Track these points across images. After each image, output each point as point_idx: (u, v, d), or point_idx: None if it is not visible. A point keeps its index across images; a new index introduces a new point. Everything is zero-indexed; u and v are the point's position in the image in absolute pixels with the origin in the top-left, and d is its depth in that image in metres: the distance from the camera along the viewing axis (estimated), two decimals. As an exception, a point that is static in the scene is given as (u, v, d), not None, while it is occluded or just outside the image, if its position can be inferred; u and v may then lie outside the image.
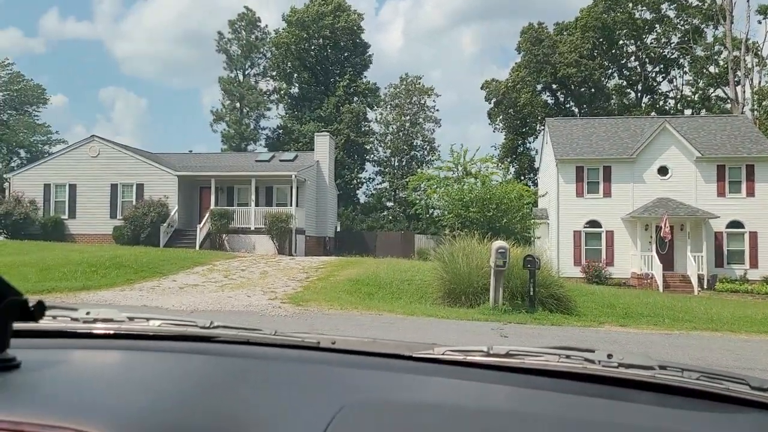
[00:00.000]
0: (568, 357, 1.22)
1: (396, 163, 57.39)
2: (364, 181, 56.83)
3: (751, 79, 49.07)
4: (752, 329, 11.79)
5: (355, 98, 54.36)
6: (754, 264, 26.91)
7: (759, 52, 49.74)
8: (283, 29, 53.79)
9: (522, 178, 50.68)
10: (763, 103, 48.03)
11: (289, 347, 1.34)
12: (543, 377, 1.16)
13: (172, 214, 27.55)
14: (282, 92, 56.35)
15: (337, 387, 1.12)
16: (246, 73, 56.60)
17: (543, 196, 31.91)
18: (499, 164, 37.38)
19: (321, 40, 53.76)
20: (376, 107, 56.89)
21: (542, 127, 54.94)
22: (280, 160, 32.37)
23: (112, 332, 1.38)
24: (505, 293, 12.46)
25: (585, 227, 28.49)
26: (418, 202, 34.57)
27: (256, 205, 28.35)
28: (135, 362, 1.23)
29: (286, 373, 1.19)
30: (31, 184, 28.75)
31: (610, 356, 1.20)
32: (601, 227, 28.34)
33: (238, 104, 55.00)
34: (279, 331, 1.42)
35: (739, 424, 1.05)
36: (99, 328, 1.39)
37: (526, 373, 1.17)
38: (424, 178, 36.43)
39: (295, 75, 54.88)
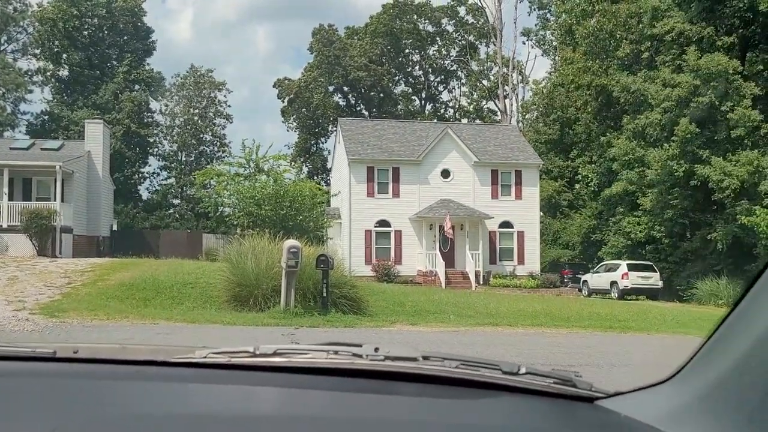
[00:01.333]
0: (336, 353, 1.21)
1: (183, 159, 54.04)
2: (147, 176, 52.64)
3: (517, 94, 54.75)
4: (527, 323, 12.57)
5: (137, 86, 50.06)
6: (521, 261, 29.68)
7: (523, 70, 55.70)
8: (49, 3, 47.58)
9: (315, 177, 50.78)
10: (527, 116, 53.87)
11: (17, 359, 1.19)
12: (311, 375, 1.14)
13: None
14: (48, 73, 49.84)
15: (58, 404, 0.97)
16: (1, 48, 49.07)
17: (336, 195, 32.02)
18: (293, 162, 36.81)
19: (96, 20, 48.56)
20: (161, 98, 53.00)
21: (334, 128, 55.80)
22: (42, 149, 28.20)
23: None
24: (297, 295, 11.78)
25: (376, 227, 29.08)
26: (207, 199, 32.66)
27: (10, 199, 24.27)
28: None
29: (5, 390, 1.03)
30: None
31: (377, 349, 1.20)
32: (390, 227, 29.14)
33: (-10, 84, 47.40)
34: (11, 341, 1.30)
35: (491, 407, 1.11)
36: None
37: (294, 372, 1.14)
38: (213, 173, 34.54)
39: (65, 56, 48.90)
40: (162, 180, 53.72)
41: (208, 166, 42.71)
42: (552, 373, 1.24)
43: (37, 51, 49.34)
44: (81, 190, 27.40)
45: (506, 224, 29.84)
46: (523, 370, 1.20)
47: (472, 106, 60.02)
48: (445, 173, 29.77)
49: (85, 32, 48.48)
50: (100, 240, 29.33)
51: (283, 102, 56.10)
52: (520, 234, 29.94)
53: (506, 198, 30.05)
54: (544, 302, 17.69)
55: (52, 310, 10.54)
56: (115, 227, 33.47)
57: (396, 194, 29.37)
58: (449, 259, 28.09)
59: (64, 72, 49.83)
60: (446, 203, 28.77)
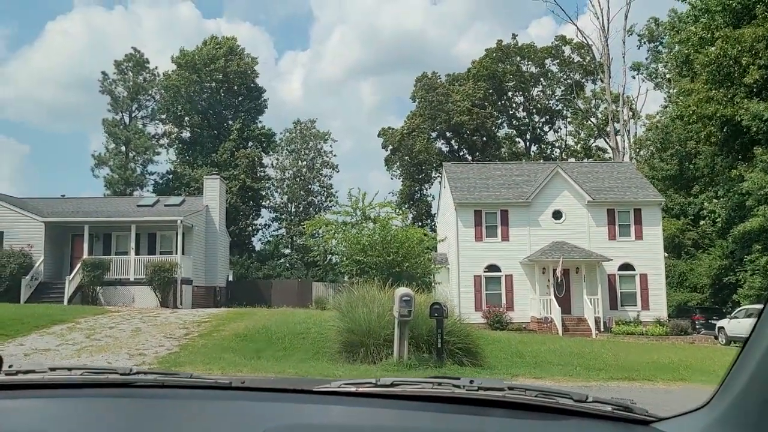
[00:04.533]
0: (439, 384, 1.45)
1: (293, 209, 55.82)
2: (259, 227, 54.75)
3: (628, 130, 52.27)
4: (667, 377, 11.28)
5: (250, 143, 52.66)
6: (645, 305, 27.53)
7: (633, 106, 53.24)
8: (173, 71, 51.50)
9: (419, 223, 50.58)
10: (640, 152, 51.18)
11: (202, 388, 1.46)
12: (420, 401, 1.38)
13: (36, 265, 24.42)
14: (172, 136, 53.63)
15: (248, 421, 1.24)
16: (133, 115, 53.49)
17: (442, 240, 31.50)
18: (398, 210, 36.95)
19: (213, 84, 51.91)
20: (272, 152, 55.39)
21: (438, 174, 55.63)
22: (165, 205, 29.96)
23: (35, 383, 1.43)
24: (410, 345, 11.26)
25: (485, 272, 28.17)
26: (316, 248, 33.03)
27: (137, 253, 25.78)
28: (59, 411, 1.28)
29: (200, 411, 1.30)
30: None
31: (472, 381, 1.44)
32: (500, 271, 28.13)
33: (123, 148, 51.60)
34: (195, 374, 1.56)
35: (564, 429, 1.31)
36: (22, 380, 1.43)
37: (407, 399, 1.39)
38: (322, 223, 35.12)
39: (186, 119, 52.51)
40: (273, 231, 55.66)
41: (317, 216, 43.69)
42: (613, 400, 1.43)
43: (163, 116, 53.28)
44: (200, 243, 28.67)
45: (626, 266, 27.92)
46: (590, 399, 1.40)
47: (579, 146, 58.00)
48: (557, 214, 28.50)
49: (204, 96, 51.84)
50: (217, 290, 30.42)
51: (386, 151, 56.87)
52: (643, 277, 27.87)
53: (625, 238, 28.21)
54: (679, 352, 16.05)
55: (170, 363, 10.67)
56: (230, 278, 34.70)
57: (505, 237, 28.41)
58: (565, 304, 26.57)
59: (186, 134, 53.40)
60: (559, 245, 27.43)
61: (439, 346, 11.04)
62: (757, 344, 1.08)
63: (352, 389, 1.42)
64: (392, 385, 1.41)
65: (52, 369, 1.54)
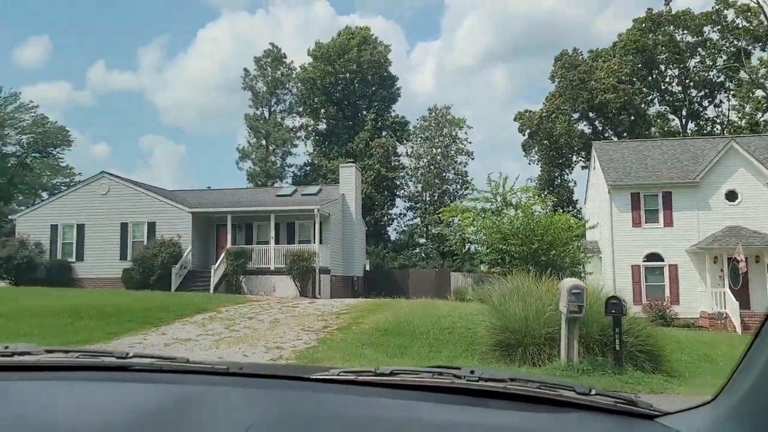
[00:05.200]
0: (440, 374, 1.42)
1: (427, 198, 54.76)
2: (394, 217, 54.33)
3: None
4: None
5: (384, 132, 52.32)
6: None
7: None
8: (309, 64, 52.33)
9: (561, 211, 47.55)
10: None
11: (199, 373, 1.44)
12: (420, 391, 1.35)
13: (185, 254, 25.23)
14: (309, 128, 54.65)
15: (245, 408, 1.24)
16: (272, 109, 55.19)
17: (593, 227, 28.79)
18: (540, 195, 34.46)
19: (347, 74, 52.10)
20: (406, 141, 54.70)
21: (579, 158, 51.80)
22: (303, 194, 29.99)
23: (31, 365, 1.42)
24: (580, 346, 9.52)
25: (644, 261, 25.24)
26: (452, 237, 31.58)
27: (277, 242, 25.88)
28: (54, 393, 1.27)
29: (197, 397, 1.28)
30: (36, 225, 26.83)
31: (472, 372, 1.41)
32: (663, 261, 25.07)
33: (264, 141, 53.40)
34: (192, 360, 1.52)
35: (565, 421, 1.28)
36: (18, 362, 1.43)
37: (406, 388, 1.36)
38: (459, 210, 33.56)
39: (322, 110, 53.20)
40: (408, 220, 54.98)
41: (453, 204, 42.29)
42: (617, 393, 1.40)
43: (300, 109, 54.42)
44: (337, 232, 28.35)
45: (822, 255, 23.74)
46: (593, 392, 1.36)
47: (744, 121, 51.51)
48: (731, 195, 24.86)
49: (339, 87, 52.21)
50: (355, 280, 30.01)
51: (523, 135, 54.13)
52: (843, 267, 23.55)
53: (819, 222, 23.99)
54: None
55: (308, 359, 9.79)
56: (367, 267, 34.28)
57: (668, 223, 25.27)
58: (743, 298, 23.04)
59: (322, 125, 54.18)
60: (735, 231, 23.86)
61: (617, 348, 9.19)
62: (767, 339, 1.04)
63: (352, 377, 1.40)
64: (392, 374, 1.40)
65: (49, 351, 1.53)
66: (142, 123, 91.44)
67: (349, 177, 30.06)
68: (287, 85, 54.63)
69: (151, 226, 26.16)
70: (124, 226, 26.35)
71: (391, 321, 13.46)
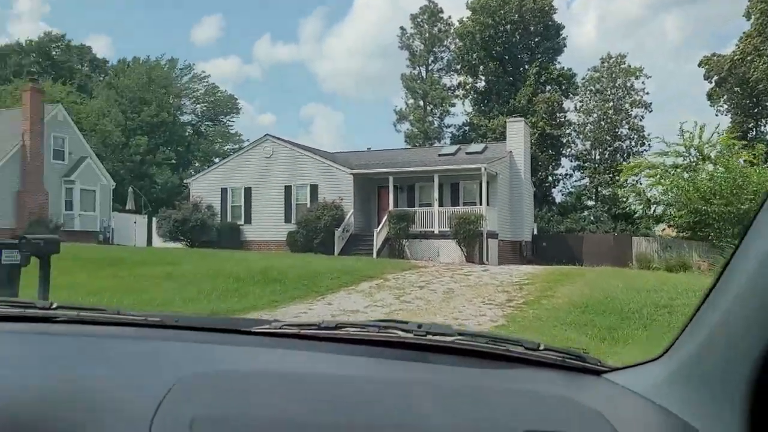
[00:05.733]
0: (386, 328, 1.38)
1: (597, 157, 50.24)
2: (560, 178, 50.60)
3: None
4: None
5: (548, 87, 48.49)
6: None
7: None
8: (467, 18, 49.66)
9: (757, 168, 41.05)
10: None
11: (129, 325, 1.39)
12: (365, 346, 1.31)
13: (347, 217, 24.52)
14: (467, 86, 52.23)
15: (173, 362, 1.17)
16: (429, 68, 53.43)
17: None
18: (744, 147, 29.33)
19: (508, 26, 48.72)
20: (572, 95, 50.36)
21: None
22: (467, 153, 28.02)
23: None
24: None
25: None
26: (630, 197, 28.08)
27: (440, 205, 24.29)
28: None
29: (123, 350, 1.22)
30: (208, 188, 27.62)
31: (420, 326, 1.36)
32: None
33: (421, 102, 52.00)
34: (121, 311, 1.47)
35: (512, 377, 1.26)
36: None
37: (351, 342, 1.32)
38: (643, 166, 29.68)
39: (481, 67, 50.43)
40: (575, 181, 51.00)
41: (631, 161, 37.96)
42: (566, 349, 1.38)
43: (458, 66, 52.13)
44: (504, 193, 26.14)
45: None
46: (542, 347, 1.34)
47: None
48: None
49: (499, 40, 49.08)
50: (523, 245, 27.71)
51: (710, 83, 47.44)
52: None
53: None
54: None
55: (501, 341, 7.99)
56: (535, 231, 31.72)
57: None
58: None
59: (481, 83, 51.56)
60: None
61: None
62: (722, 294, 0.99)
63: (294, 331, 1.36)
64: (336, 327, 1.37)
65: None
66: (303, 92, 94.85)
67: (517, 132, 27.54)
68: (445, 42, 52.48)
69: (314, 189, 25.77)
70: (287, 189, 26.24)
71: (587, 295, 11.24)
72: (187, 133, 51.87)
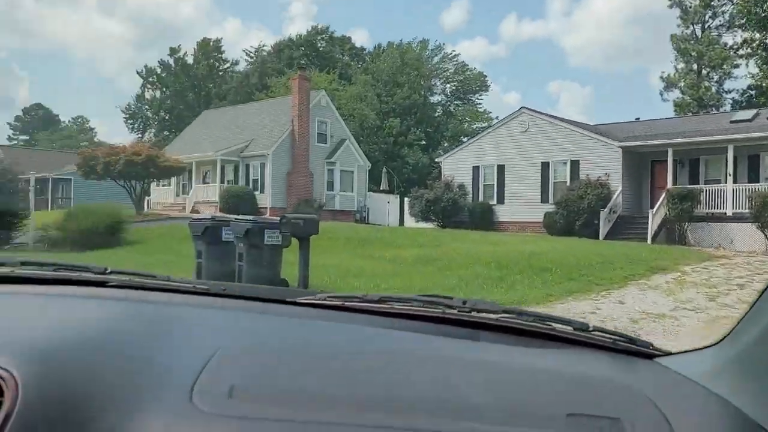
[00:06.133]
0: (430, 303, 1.36)
1: None
2: None
3: None
4: None
5: None
6: None
7: None
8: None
9: None
10: None
11: (179, 292, 1.41)
12: (409, 320, 1.29)
13: (614, 196, 21.57)
14: (754, 44, 43.94)
15: (217, 330, 1.18)
16: (706, 26, 46.12)
17: None
18: None
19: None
20: None
21: None
22: (769, 118, 22.86)
23: (3, 275, 1.41)
24: None
25: None
26: None
27: (734, 181, 20.03)
28: (28, 306, 1.26)
29: (170, 316, 1.24)
30: (459, 167, 26.68)
31: (465, 302, 1.35)
32: None
33: (695, 65, 45.19)
34: (172, 278, 1.50)
35: (560, 358, 1.21)
36: None
37: (394, 316, 1.30)
38: None
39: (774, 18, 41.91)
40: None
41: None
42: (617, 331, 1.34)
43: (743, 21, 44.11)
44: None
45: None
46: (591, 328, 1.31)
47: None
48: None
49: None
50: None
51: None
52: None
53: None
54: None
55: None
56: None
57: None
58: None
59: (773, 38, 42.99)
60: None
61: None
62: None
63: (338, 303, 1.36)
64: (380, 301, 1.37)
65: (24, 263, 1.51)
66: (549, 68, 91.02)
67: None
68: (728, -7, 44.72)
69: (574, 165, 23.21)
70: (544, 166, 24.06)
71: None
72: (436, 114, 52.18)
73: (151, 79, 62.84)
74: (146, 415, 0.86)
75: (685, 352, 1.26)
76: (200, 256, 9.55)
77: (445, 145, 51.70)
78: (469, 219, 24.74)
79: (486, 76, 52.82)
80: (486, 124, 51.11)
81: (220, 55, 63.24)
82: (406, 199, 31.73)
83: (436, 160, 30.80)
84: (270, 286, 1.64)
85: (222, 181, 31.31)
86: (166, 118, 61.76)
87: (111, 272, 1.47)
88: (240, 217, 9.64)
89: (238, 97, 52.00)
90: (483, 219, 24.65)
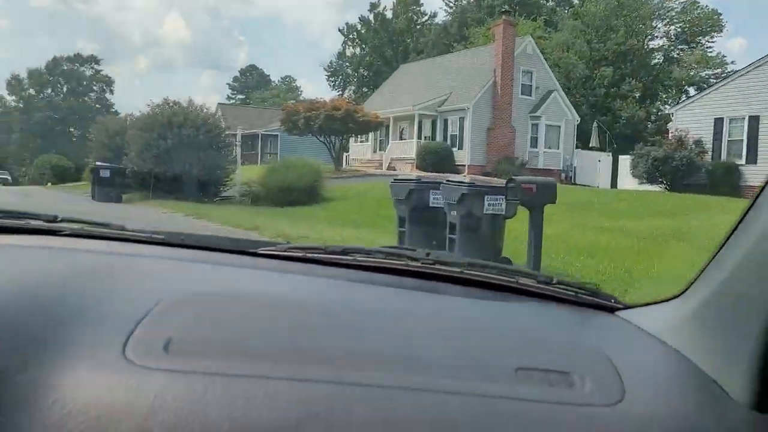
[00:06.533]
0: (394, 255, 1.35)
1: None
2: None
3: None
4: None
5: None
6: None
7: None
8: None
9: None
10: None
11: (133, 242, 1.37)
12: (371, 273, 1.28)
13: None
14: None
15: (165, 281, 1.15)
16: None
17: None
18: None
19: None
20: None
21: None
22: None
23: None
24: None
25: None
26: None
27: None
28: None
29: (117, 266, 1.19)
30: (696, 119, 22.37)
31: (428, 254, 1.34)
32: None
33: None
34: (127, 227, 1.46)
35: (523, 310, 1.24)
36: None
37: (356, 268, 1.29)
38: None
39: None
40: None
41: None
42: (581, 284, 1.34)
43: None
44: None
45: None
46: (555, 281, 1.31)
47: None
48: None
49: None
50: None
51: None
52: None
53: None
54: None
55: None
56: None
57: None
58: None
59: None
60: None
61: None
62: (746, 232, 0.96)
63: (299, 254, 1.34)
64: (343, 252, 1.34)
65: None
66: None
67: None
68: None
69: None
70: (816, 117, 19.10)
71: None
72: (654, 61, 46.00)
73: (351, 36, 63.82)
74: (74, 367, 0.82)
75: (648, 304, 1.23)
76: (402, 224, 8.01)
77: (663, 96, 45.50)
78: (706, 181, 20.68)
79: (720, 15, 45.17)
80: (719, 70, 43.85)
81: (418, 8, 62.11)
82: (620, 157, 28.05)
83: (667, 111, 26.48)
84: (232, 237, 1.59)
85: (419, 137, 30.08)
86: (365, 74, 62.47)
87: (62, 220, 1.45)
88: (453, 178, 7.85)
89: (435, 51, 50.47)
90: (725, 182, 20.43)
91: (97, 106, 72.28)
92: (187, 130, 18.64)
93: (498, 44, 28.78)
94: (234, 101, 75.20)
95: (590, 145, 33.20)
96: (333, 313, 1.06)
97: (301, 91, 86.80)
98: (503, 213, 6.74)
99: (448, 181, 7.34)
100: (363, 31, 62.31)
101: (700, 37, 45.39)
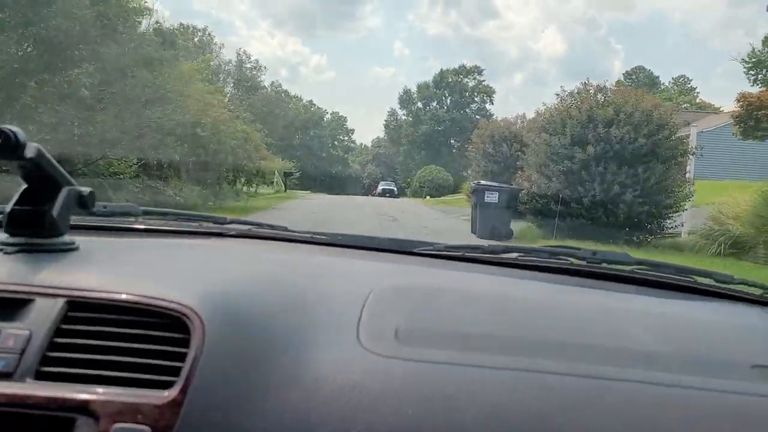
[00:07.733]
0: (558, 254, 1.31)
1: None
2: None
3: None
4: None
5: None
6: None
7: None
8: None
9: None
10: None
11: (299, 242, 1.40)
12: (535, 272, 1.25)
13: None
14: None
15: (352, 279, 1.17)
16: None
17: None
18: None
19: None
20: None
21: None
22: None
23: (126, 227, 1.41)
24: None
25: None
26: None
27: None
28: (149, 256, 1.22)
29: (300, 265, 1.23)
30: None
31: (594, 253, 1.29)
32: None
33: None
34: (289, 228, 1.50)
35: (700, 311, 1.17)
36: (112, 223, 1.40)
37: (519, 268, 1.26)
38: None
39: None
40: None
41: None
42: (762, 284, 1.27)
43: None
44: None
45: None
46: (737, 279, 1.25)
47: None
48: None
49: None
50: None
51: None
52: None
53: None
54: None
55: None
56: None
57: None
58: None
59: None
60: None
61: None
62: None
63: (458, 254, 1.33)
64: (504, 251, 1.32)
65: (147, 213, 1.48)
66: None
67: None
68: None
69: None
70: None
71: None
72: None
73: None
74: (322, 351, 0.85)
75: None
76: None
77: None
78: None
79: None
80: None
81: None
82: None
83: None
84: (382, 237, 1.50)
85: None
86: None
87: (230, 222, 1.48)
88: None
89: None
90: None
91: (477, 117, 71.41)
92: (623, 131, 11.55)
93: None
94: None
95: None
96: (534, 305, 1.06)
97: (698, 92, 73.54)
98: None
99: None
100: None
101: None
